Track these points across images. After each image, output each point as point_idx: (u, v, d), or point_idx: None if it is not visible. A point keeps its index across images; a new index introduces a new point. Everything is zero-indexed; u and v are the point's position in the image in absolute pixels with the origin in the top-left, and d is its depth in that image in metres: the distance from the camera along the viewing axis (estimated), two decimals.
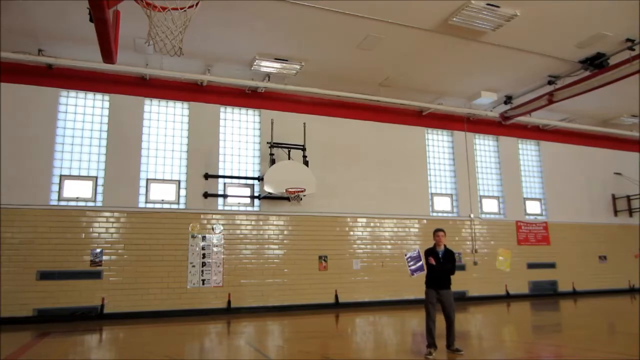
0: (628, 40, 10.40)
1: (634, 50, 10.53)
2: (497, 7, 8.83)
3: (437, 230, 6.74)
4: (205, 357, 7.10)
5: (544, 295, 15.01)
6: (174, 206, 11.58)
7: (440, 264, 6.51)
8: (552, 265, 15.49)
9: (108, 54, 8.08)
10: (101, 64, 10.02)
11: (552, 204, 16.16)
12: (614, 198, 17.38)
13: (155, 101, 11.91)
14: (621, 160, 17.85)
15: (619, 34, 10.20)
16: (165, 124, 11.95)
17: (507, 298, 14.42)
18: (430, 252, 6.68)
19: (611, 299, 14.58)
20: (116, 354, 7.26)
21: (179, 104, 12.10)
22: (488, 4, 8.74)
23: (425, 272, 6.74)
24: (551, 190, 16.27)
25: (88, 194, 10.90)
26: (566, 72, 11.90)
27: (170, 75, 11.42)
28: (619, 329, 9.45)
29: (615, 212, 17.28)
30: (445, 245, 6.69)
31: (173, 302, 10.88)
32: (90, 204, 10.86)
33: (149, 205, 11.34)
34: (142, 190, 11.37)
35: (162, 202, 11.49)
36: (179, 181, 11.75)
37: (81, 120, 11.20)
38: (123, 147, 11.25)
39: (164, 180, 11.64)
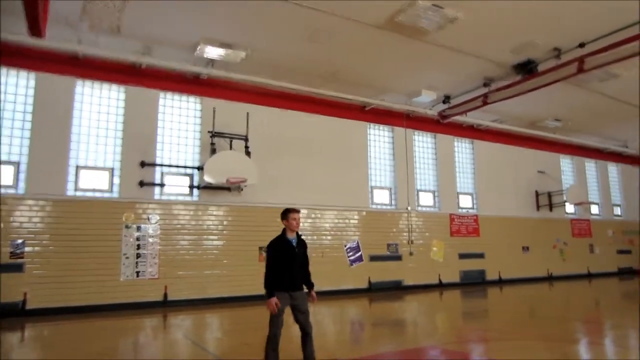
0: (555, 49, 11.14)
1: (560, 59, 11.30)
2: (442, 8, 9.10)
3: (290, 211, 5.00)
4: (140, 352, 6.85)
5: (474, 283, 15.90)
6: (107, 195, 10.97)
7: (298, 258, 4.96)
8: (481, 256, 16.43)
9: (36, 27, 7.46)
10: (27, 38, 9.27)
11: (483, 199, 17.10)
12: (537, 194, 18.71)
13: (88, 82, 11.15)
14: (544, 160, 19.25)
15: (548, 43, 10.90)
16: (98, 107, 11.21)
17: (440, 287, 15.13)
18: (278, 245, 4.93)
19: (532, 286, 15.80)
20: (40, 353, 6.80)
21: (114, 87, 11.41)
22: (433, 5, 8.99)
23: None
24: (482, 186, 17.20)
25: (9, 180, 10.03)
26: (500, 75, 12.55)
27: (105, 55, 10.70)
28: (539, 313, 10.26)
29: (538, 207, 18.63)
30: (297, 233, 5.11)
31: (105, 295, 10.33)
32: (11, 191, 10.02)
33: (79, 194, 10.65)
34: (71, 177, 10.64)
35: (94, 190, 10.85)
36: (112, 168, 11.13)
37: (2, 100, 10.26)
38: (50, 130, 10.43)
39: (95, 167, 10.97)
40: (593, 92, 13.95)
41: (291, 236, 4.99)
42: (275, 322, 4.76)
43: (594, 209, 20.97)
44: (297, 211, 5.07)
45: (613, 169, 22.37)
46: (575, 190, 18.66)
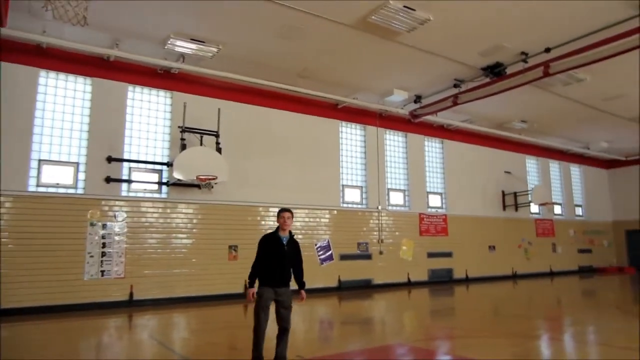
0: (522, 53, 11.43)
1: (527, 62, 11.60)
2: (413, 10, 9.19)
3: (282, 211, 5.27)
4: (103, 353, 6.67)
5: (441, 282, 16.19)
6: (71, 191, 10.63)
7: (285, 255, 5.18)
8: (449, 255, 16.74)
9: None
10: None
11: (452, 198, 17.42)
12: (503, 194, 19.20)
13: (52, 74, 10.76)
14: (511, 161, 19.77)
15: (516, 47, 11.17)
16: (63, 99, 10.85)
17: (409, 285, 15.34)
18: (268, 240, 5.23)
19: (497, 284, 16.20)
20: None
21: (80, 79, 11.06)
22: (405, 6, 9.07)
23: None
24: (451, 186, 17.52)
25: None
26: (470, 77, 12.79)
27: (71, 46, 10.34)
28: (503, 311, 10.54)
29: (504, 207, 19.11)
30: (291, 233, 5.34)
31: (67, 295, 10.00)
32: None
33: (41, 189, 10.27)
34: (33, 173, 10.26)
35: (57, 185, 10.49)
36: (77, 163, 10.79)
37: None
38: (11, 122, 9.99)
39: (59, 162, 10.61)
40: (557, 96, 14.40)
41: (283, 234, 5.24)
42: (257, 316, 5.02)
43: (557, 209, 21.68)
44: (287, 211, 5.30)
45: (575, 170, 23.19)
46: (540, 190, 19.24)
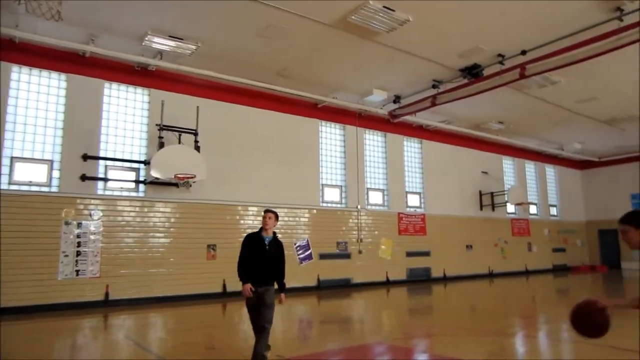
0: (499, 55, 11.63)
1: (503, 64, 11.81)
2: (393, 10, 9.26)
3: (265, 211, 5.32)
4: (78, 354, 6.56)
5: (419, 280, 16.36)
6: (45, 189, 10.39)
7: (269, 256, 5.21)
8: (427, 254, 16.92)
9: None
10: None
11: (430, 198, 17.62)
12: (480, 194, 19.50)
13: (25, 69, 10.51)
14: (488, 161, 20.10)
15: (493, 49, 11.36)
16: (37, 95, 10.60)
17: (388, 284, 15.46)
18: (250, 240, 5.27)
19: (474, 283, 16.48)
20: None
21: (55, 75, 10.81)
22: (384, 7, 9.14)
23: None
24: (429, 185, 17.72)
25: None
26: (448, 78, 12.95)
27: (45, 41, 10.10)
28: (480, 309, 10.71)
29: (481, 207, 19.42)
30: (275, 233, 5.40)
31: (41, 295, 9.77)
32: None
33: (14, 187, 10.01)
34: (5, 170, 9.98)
35: (30, 183, 10.24)
36: (51, 161, 10.55)
37: None
38: None
39: (33, 160, 10.36)
40: (533, 97, 14.69)
41: (266, 234, 5.28)
42: (249, 313, 5.21)
43: (533, 209, 22.13)
44: (270, 211, 5.34)
45: (550, 170, 23.71)
46: (516, 190, 19.62)
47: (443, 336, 7.16)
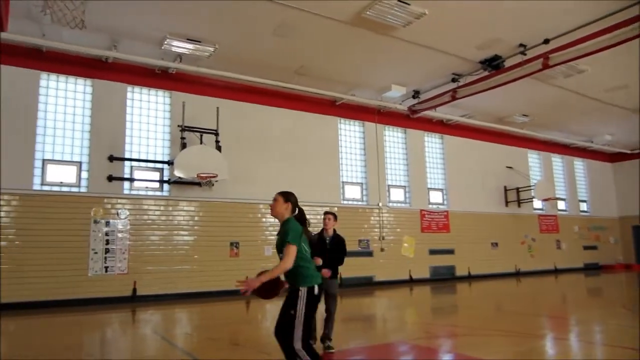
0: (521, 45, 11.41)
1: (525, 55, 11.58)
2: (408, 4, 9.24)
3: (325, 213, 6.02)
4: (107, 347, 6.78)
5: (443, 279, 16.14)
6: (75, 189, 10.80)
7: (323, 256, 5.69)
8: (451, 252, 16.69)
9: None
10: None
11: (453, 194, 17.39)
12: (505, 190, 19.10)
13: (53, 76, 10.96)
14: (513, 155, 19.65)
15: (513, 39, 11.16)
16: (65, 100, 11.05)
17: (411, 282, 15.34)
18: (314, 239, 5.81)
19: (500, 282, 16.06)
20: (7, 348, 6.66)
21: (80, 81, 11.25)
22: (399, 0, 9.12)
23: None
24: (452, 182, 17.49)
25: None
26: (468, 71, 12.79)
27: (70, 49, 10.53)
28: (506, 308, 10.44)
29: (507, 203, 19.02)
30: (335, 231, 5.97)
31: (72, 290, 10.18)
32: None
33: (46, 188, 10.47)
34: (38, 172, 10.46)
35: (61, 184, 10.67)
36: (80, 162, 10.97)
37: None
38: (15, 123, 10.21)
39: (63, 162, 10.80)
40: (559, 88, 14.32)
41: (327, 235, 5.93)
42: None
43: (561, 205, 21.51)
44: (328, 213, 6.04)
45: (579, 164, 22.98)
46: (542, 185, 19.07)
47: (468, 336, 7.00)
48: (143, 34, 10.49)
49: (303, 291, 3.55)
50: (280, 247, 3.62)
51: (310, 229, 4.22)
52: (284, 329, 3.55)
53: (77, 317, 8.98)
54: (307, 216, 14.18)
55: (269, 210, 3.97)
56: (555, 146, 21.31)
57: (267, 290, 3.53)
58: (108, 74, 11.33)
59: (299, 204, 3.88)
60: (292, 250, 3.51)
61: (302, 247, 3.65)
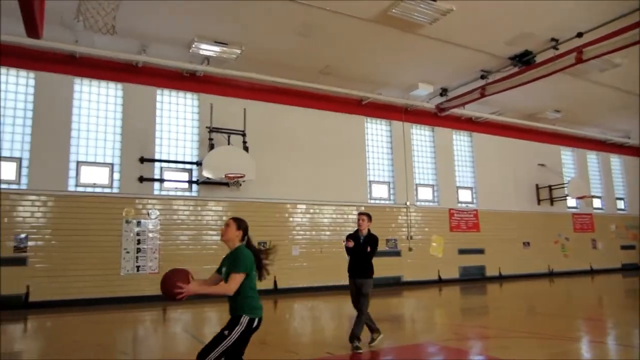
0: (553, 39, 11.09)
1: (557, 49, 11.25)
2: (434, 0, 9.11)
3: (359, 214, 6.17)
4: (139, 344, 6.95)
5: (473, 279, 15.85)
6: (107, 190, 11.12)
7: (357, 248, 5.94)
8: (481, 251, 16.37)
9: (33, 28, 7.57)
10: (25, 39, 9.36)
11: (482, 193, 17.05)
12: (537, 188, 18.61)
13: (86, 81, 11.30)
14: (545, 153, 19.11)
15: (545, 34, 10.86)
16: (97, 104, 11.39)
17: (439, 283, 15.13)
18: (349, 237, 6.17)
19: (533, 282, 15.64)
20: (43, 344, 6.93)
21: (112, 85, 11.57)
22: None
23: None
24: (482, 180, 17.15)
25: (11, 175, 10.21)
26: (497, 67, 12.53)
27: (102, 54, 10.86)
28: (539, 310, 10.16)
29: (539, 201, 18.52)
30: (369, 230, 6.08)
31: (105, 289, 10.49)
32: (14, 186, 10.19)
33: (80, 189, 10.82)
34: (72, 173, 10.82)
35: (94, 185, 11.00)
36: (112, 164, 11.28)
37: (4, 98, 10.42)
38: (50, 127, 10.61)
39: (96, 163, 11.13)
40: (593, 83, 13.87)
41: (361, 234, 6.00)
42: (352, 299, 6.10)
43: (596, 203, 20.80)
44: (361, 214, 6.10)
45: (615, 161, 22.16)
46: (576, 183, 18.45)
47: (499, 338, 6.85)
48: (171, 37, 10.70)
49: (245, 319, 3.48)
50: (227, 273, 3.50)
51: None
52: (206, 347, 3.48)
53: (109, 315, 9.23)
54: (334, 215, 14.20)
55: (220, 236, 3.74)
56: (589, 142, 20.60)
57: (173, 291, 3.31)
58: (138, 77, 11.61)
59: (248, 231, 3.79)
60: (238, 279, 3.43)
61: (252, 276, 3.58)
